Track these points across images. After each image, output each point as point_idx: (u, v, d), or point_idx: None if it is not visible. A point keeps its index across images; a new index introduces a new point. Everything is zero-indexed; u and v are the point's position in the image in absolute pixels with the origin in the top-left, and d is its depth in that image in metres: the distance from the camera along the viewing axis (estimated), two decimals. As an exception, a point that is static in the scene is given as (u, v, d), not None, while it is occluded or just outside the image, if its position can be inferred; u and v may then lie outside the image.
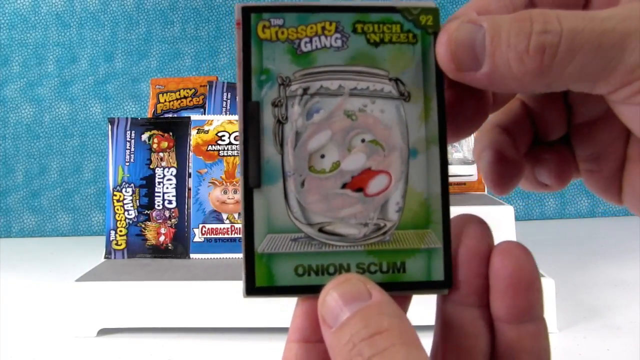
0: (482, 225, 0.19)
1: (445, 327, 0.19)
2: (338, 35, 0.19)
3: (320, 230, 0.19)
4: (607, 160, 0.22)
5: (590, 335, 0.53)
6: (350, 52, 0.19)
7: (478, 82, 0.18)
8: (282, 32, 0.19)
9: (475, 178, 0.81)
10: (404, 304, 0.20)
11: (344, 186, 0.19)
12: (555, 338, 0.53)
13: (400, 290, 0.19)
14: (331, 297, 0.17)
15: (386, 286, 0.18)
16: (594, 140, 0.22)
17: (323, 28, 0.19)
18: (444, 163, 0.19)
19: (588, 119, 0.22)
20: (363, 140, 0.19)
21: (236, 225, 0.67)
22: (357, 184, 0.19)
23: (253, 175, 0.19)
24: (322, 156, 0.19)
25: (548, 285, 0.54)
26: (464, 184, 0.82)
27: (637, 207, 0.21)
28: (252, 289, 0.19)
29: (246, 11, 0.19)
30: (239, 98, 0.19)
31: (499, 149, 0.22)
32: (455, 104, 0.20)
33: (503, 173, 0.22)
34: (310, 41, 0.19)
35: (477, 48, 0.18)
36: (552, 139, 0.23)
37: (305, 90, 0.19)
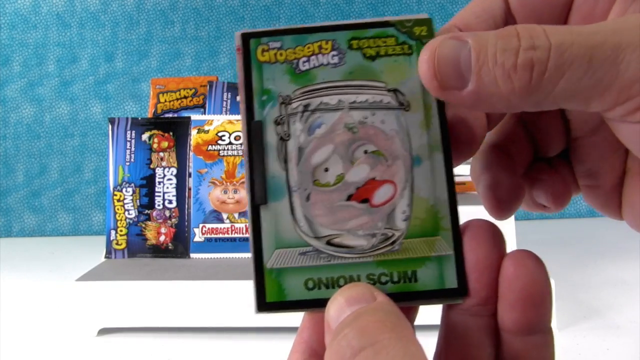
0: (494, 232, 0.19)
1: (449, 334, 0.19)
2: (335, 52, 0.20)
3: (328, 242, 0.19)
4: (606, 175, 0.21)
5: (590, 335, 0.53)
6: (347, 68, 0.20)
7: (463, 101, 0.17)
8: (280, 54, 0.20)
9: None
10: (409, 314, 0.20)
11: (349, 198, 0.19)
12: (555, 338, 0.53)
13: (413, 300, 0.19)
14: (337, 301, 0.17)
15: (398, 296, 0.18)
16: (592, 155, 0.22)
17: (320, 47, 0.20)
18: (449, 168, 0.19)
19: (586, 132, 0.22)
20: (366, 152, 0.19)
21: (236, 225, 0.67)
22: (363, 195, 0.19)
23: (259, 193, 0.19)
24: (326, 169, 0.19)
25: (548, 285, 0.54)
26: (464, 183, 0.82)
27: (635, 221, 0.21)
28: (263, 305, 0.18)
29: (245, 37, 0.20)
30: (242, 118, 0.19)
31: (497, 172, 0.21)
32: (449, 129, 0.20)
33: (503, 197, 0.21)
34: (308, 60, 0.20)
35: (462, 65, 0.17)
36: (551, 154, 0.22)
37: (305, 107, 0.20)
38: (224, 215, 0.67)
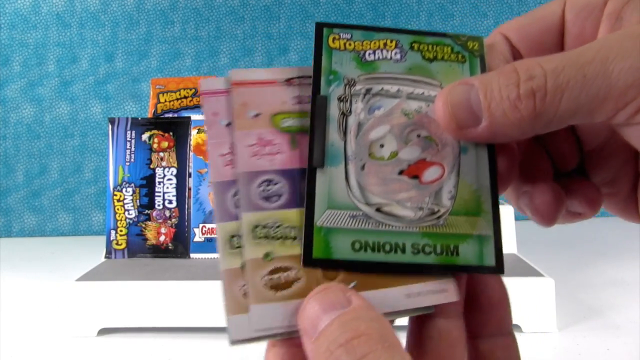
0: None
1: (422, 336, 0.20)
2: (397, 50, 0.22)
3: (378, 210, 0.20)
4: (621, 182, 0.23)
5: (590, 335, 0.53)
6: (408, 64, 0.22)
7: (480, 136, 0.19)
8: (349, 44, 0.22)
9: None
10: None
11: (401, 173, 0.21)
12: (555, 338, 0.53)
13: (453, 271, 0.20)
14: (310, 306, 0.17)
15: (440, 268, 0.19)
16: (606, 165, 0.23)
17: (385, 44, 0.22)
18: (492, 159, 0.21)
19: (597, 144, 0.23)
20: (419, 136, 0.21)
21: (236, 225, 0.67)
22: (413, 171, 0.21)
23: (317, 156, 0.20)
24: (382, 145, 0.21)
25: (548, 285, 0.54)
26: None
27: None
28: (310, 260, 0.19)
29: (319, 26, 0.22)
30: (312, 93, 0.21)
31: (537, 183, 0.23)
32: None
33: (551, 204, 0.23)
34: (374, 53, 0.22)
35: (474, 105, 0.19)
36: (569, 169, 0.24)
37: (368, 90, 0.22)
38: (224, 215, 0.67)
